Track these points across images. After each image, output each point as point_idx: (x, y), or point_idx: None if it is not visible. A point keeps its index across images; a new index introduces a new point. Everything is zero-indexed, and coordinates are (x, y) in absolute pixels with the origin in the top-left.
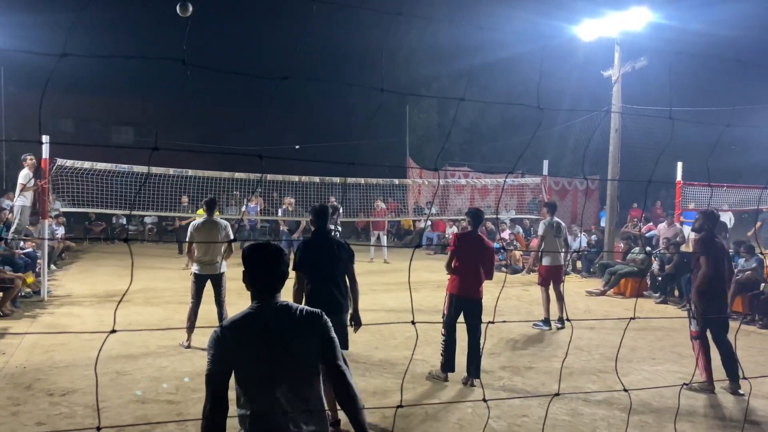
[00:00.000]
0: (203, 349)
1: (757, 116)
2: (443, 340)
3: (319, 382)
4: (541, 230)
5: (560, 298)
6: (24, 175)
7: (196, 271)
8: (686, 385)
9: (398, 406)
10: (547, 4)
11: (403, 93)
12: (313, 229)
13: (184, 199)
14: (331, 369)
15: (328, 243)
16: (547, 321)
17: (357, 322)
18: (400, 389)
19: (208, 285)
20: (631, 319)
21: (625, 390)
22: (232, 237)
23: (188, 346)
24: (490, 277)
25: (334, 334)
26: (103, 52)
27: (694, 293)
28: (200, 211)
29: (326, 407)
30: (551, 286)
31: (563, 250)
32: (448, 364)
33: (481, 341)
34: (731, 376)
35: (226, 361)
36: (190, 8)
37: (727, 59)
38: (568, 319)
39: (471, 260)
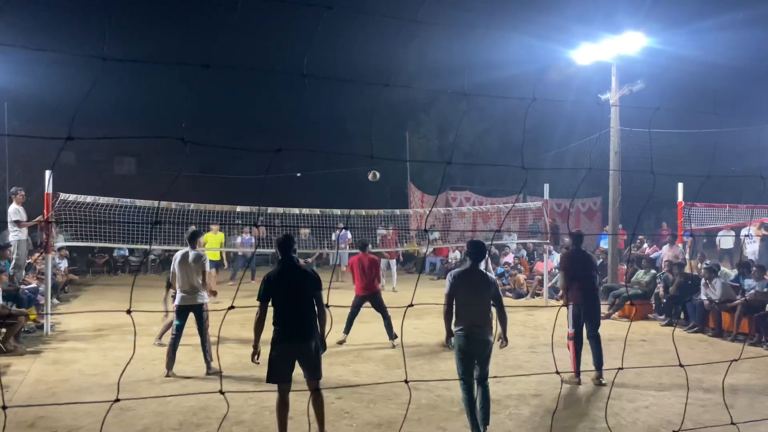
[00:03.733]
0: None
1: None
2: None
3: (491, 310)
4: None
5: None
6: (14, 210)
7: (179, 303)
8: (559, 375)
9: None
10: (543, 26)
11: (416, 106)
12: (279, 258)
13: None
14: (497, 303)
15: (294, 272)
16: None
17: (323, 347)
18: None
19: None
20: (643, 340)
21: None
22: (208, 268)
23: (168, 375)
24: None
25: (499, 290)
26: (107, 83)
27: (565, 301)
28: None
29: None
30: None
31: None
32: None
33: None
34: (598, 367)
35: (453, 289)
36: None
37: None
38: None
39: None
